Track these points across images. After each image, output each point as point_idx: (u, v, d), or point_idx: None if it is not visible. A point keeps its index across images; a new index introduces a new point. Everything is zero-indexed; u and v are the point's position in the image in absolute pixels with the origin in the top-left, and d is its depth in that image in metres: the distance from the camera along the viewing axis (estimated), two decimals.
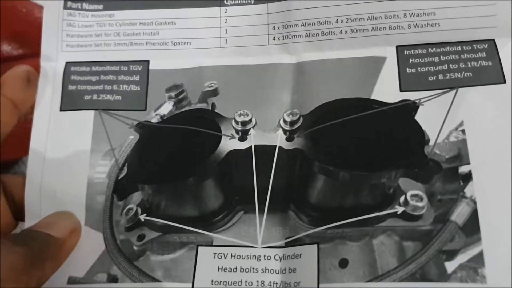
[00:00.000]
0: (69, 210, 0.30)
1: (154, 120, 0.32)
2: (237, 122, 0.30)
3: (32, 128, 0.32)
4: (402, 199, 0.26)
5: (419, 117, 0.28)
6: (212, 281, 0.27)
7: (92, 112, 0.32)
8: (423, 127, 0.27)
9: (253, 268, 0.27)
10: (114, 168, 0.31)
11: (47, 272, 0.27)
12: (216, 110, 0.32)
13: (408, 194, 0.26)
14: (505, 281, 0.23)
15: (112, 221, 0.30)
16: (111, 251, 0.29)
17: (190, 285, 0.27)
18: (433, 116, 0.27)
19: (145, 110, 0.32)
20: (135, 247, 0.29)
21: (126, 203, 0.30)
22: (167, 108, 0.32)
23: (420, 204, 0.25)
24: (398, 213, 0.26)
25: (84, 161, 0.31)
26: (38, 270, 0.27)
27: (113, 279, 0.28)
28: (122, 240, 0.29)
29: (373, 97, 0.29)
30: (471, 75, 0.28)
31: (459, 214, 0.25)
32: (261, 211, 0.28)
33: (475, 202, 0.25)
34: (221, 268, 0.27)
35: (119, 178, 0.31)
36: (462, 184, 0.25)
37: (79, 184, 0.31)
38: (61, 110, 0.33)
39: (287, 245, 0.27)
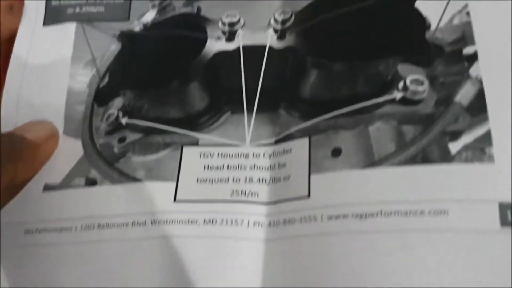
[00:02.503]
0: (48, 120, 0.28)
1: (137, 29, 0.30)
2: (224, 24, 0.28)
3: (14, 45, 0.31)
4: (401, 84, 0.24)
5: (420, 4, 0.25)
6: (197, 179, 0.25)
7: (74, 24, 0.30)
8: (425, 14, 0.25)
9: (241, 166, 0.25)
10: (95, 78, 0.29)
11: (19, 174, 0.26)
12: (202, 14, 0.29)
13: (408, 79, 0.24)
14: (510, 161, 0.21)
15: (92, 127, 0.28)
16: (90, 155, 0.27)
17: (174, 183, 0.25)
18: (435, 2, 0.25)
19: (128, 19, 0.30)
20: (115, 150, 0.27)
21: (106, 109, 0.28)
22: (150, 16, 0.30)
23: (420, 89, 0.23)
24: (397, 99, 0.23)
25: (64, 71, 0.30)
26: (9, 169, 0.25)
27: (91, 182, 0.26)
28: (102, 143, 0.27)
29: None
30: None
31: (464, 94, 0.23)
32: (250, 110, 0.26)
33: (481, 82, 0.22)
34: (207, 167, 0.25)
35: (101, 86, 0.29)
36: (466, 65, 0.23)
37: (58, 94, 0.29)
38: (44, 25, 0.31)
39: (277, 142, 0.25)
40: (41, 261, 0.25)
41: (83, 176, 0.26)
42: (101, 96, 0.29)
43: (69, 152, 0.27)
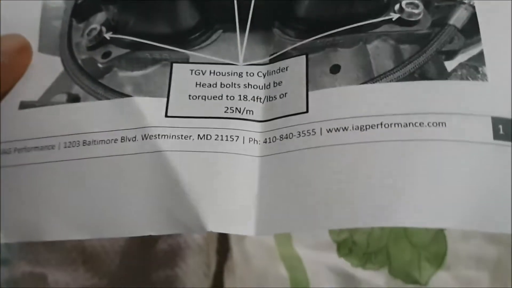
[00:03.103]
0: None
1: None
2: None
3: None
4: (397, 6, 0.24)
5: None
6: (189, 96, 0.24)
7: None
8: None
9: (234, 84, 0.24)
10: None
11: None
12: None
13: (403, 2, 0.24)
14: (505, 79, 0.22)
15: (72, 43, 0.26)
16: (71, 70, 0.25)
17: (165, 99, 0.24)
18: None
19: None
20: (99, 65, 0.25)
21: (87, 24, 0.27)
22: None
23: (416, 11, 0.24)
24: (394, 19, 0.24)
25: None
26: None
27: (74, 99, 0.25)
28: (84, 59, 0.26)
29: None
30: None
31: (458, 17, 0.23)
32: (242, 29, 0.25)
33: (473, 7, 0.23)
34: (199, 84, 0.24)
35: (79, 1, 0.27)
36: None
37: (31, 9, 0.27)
38: None
39: (272, 61, 0.24)
40: (23, 182, 0.23)
41: (65, 93, 0.25)
42: (80, 11, 0.27)
43: (46, 68, 0.26)
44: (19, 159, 0.24)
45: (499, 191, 0.21)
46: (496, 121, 0.21)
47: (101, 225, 0.23)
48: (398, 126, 0.21)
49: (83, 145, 0.23)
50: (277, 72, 0.24)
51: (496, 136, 0.21)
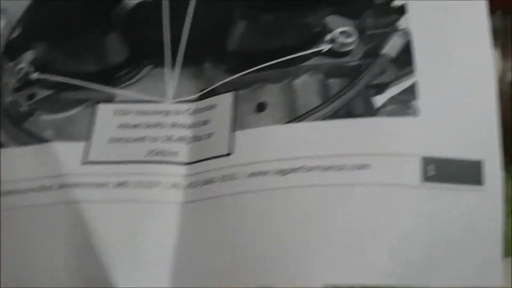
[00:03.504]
0: None
1: None
2: None
3: None
4: (328, 36, 0.22)
5: None
6: (111, 138, 0.23)
7: None
8: None
9: (160, 124, 0.23)
10: (5, 30, 0.26)
11: None
12: None
13: (336, 31, 0.22)
14: (438, 114, 0.20)
15: (0, 84, 0.25)
16: None
17: (85, 143, 0.22)
18: None
19: None
20: (22, 108, 0.24)
21: (17, 62, 0.26)
22: None
23: (348, 40, 0.22)
24: (324, 51, 0.22)
25: None
26: None
27: None
28: (9, 102, 0.25)
29: None
30: None
31: (392, 46, 0.22)
32: (173, 64, 0.24)
33: (408, 34, 0.21)
34: (123, 125, 0.23)
35: (11, 38, 0.26)
36: (396, 17, 0.22)
37: None
38: None
39: (201, 97, 0.23)
40: None
41: None
42: (11, 49, 0.26)
43: None
44: None
45: (428, 240, 0.19)
46: (426, 161, 0.20)
47: (17, 278, 0.22)
48: (319, 169, 0.20)
49: (3, 196, 0.22)
50: (205, 110, 0.23)
51: (425, 177, 0.19)
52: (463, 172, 0.19)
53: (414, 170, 0.19)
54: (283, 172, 0.20)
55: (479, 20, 0.22)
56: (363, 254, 0.19)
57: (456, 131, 0.20)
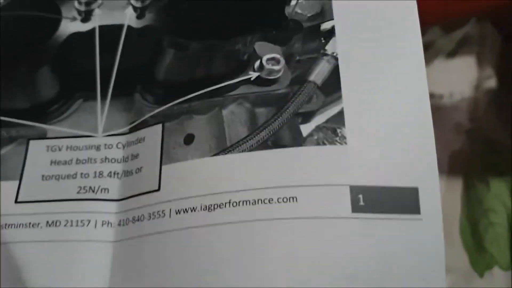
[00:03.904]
0: None
1: None
2: (80, 3, 0.26)
3: None
4: (257, 64, 0.22)
5: None
6: (43, 176, 0.22)
7: None
8: None
9: (91, 159, 0.22)
10: None
11: None
12: None
13: (264, 58, 0.22)
14: (366, 141, 0.20)
15: None
16: None
17: (17, 182, 0.22)
18: None
19: None
20: None
21: None
22: None
23: (276, 67, 0.22)
24: (252, 79, 0.22)
25: None
26: None
27: None
28: None
29: None
30: None
31: (319, 73, 0.21)
32: (104, 96, 0.24)
33: (336, 59, 0.21)
34: (54, 162, 0.23)
35: None
36: (323, 41, 0.22)
37: None
38: None
39: (131, 130, 0.23)
40: None
41: None
42: None
43: None
44: None
45: (361, 274, 0.18)
46: (355, 190, 0.19)
47: None
48: (246, 204, 0.19)
49: None
50: (135, 143, 0.23)
51: (355, 208, 0.19)
52: (397, 201, 0.19)
53: (344, 201, 0.19)
54: (209, 208, 0.20)
55: (411, 41, 0.21)
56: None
57: (386, 158, 0.19)
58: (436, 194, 0.19)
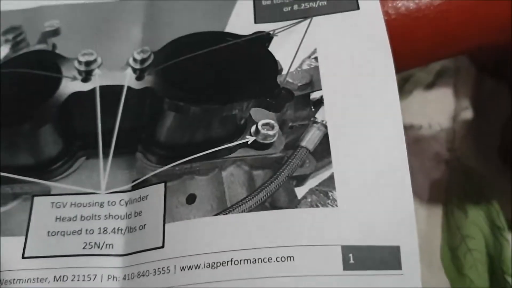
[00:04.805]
0: None
1: None
2: (80, 63, 0.27)
3: None
4: (253, 128, 0.24)
5: (274, 47, 0.26)
6: (48, 232, 0.24)
7: None
8: (277, 57, 0.26)
9: (95, 216, 0.24)
10: None
11: None
12: (57, 51, 0.28)
13: (260, 123, 0.24)
14: (354, 204, 0.22)
15: None
16: None
17: (23, 238, 0.23)
18: (287, 46, 0.26)
19: None
20: None
21: None
22: (3, 52, 0.28)
23: (271, 132, 0.24)
24: (249, 142, 0.24)
25: None
26: None
27: None
28: None
29: (227, 30, 0.27)
30: (325, 3, 0.27)
31: (310, 139, 0.24)
32: (106, 155, 0.25)
33: (326, 126, 0.23)
34: (59, 218, 0.24)
35: None
36: (313, 109, 0.24)
37: None
38: None
39: (134, 188, 0.24)
40: None
41: None
42: None
43: None
44: None
45: None
46: (346, 249, 0.22)
47: None
48: (247, 262, 0.21)
49: None
50: (138, 201, 0.24)
51: (346, 266, 0.21)
52: (382, 258, 0.21)
53: (336, 259, 0.21)
54: (213, 266, 0.21)
55: (391, 107, 0.24)
56: None
57: (373, 219, 0.22)
58: (416, 250, 0.22)
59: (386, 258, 0.21)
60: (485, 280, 0.32)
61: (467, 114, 0.38)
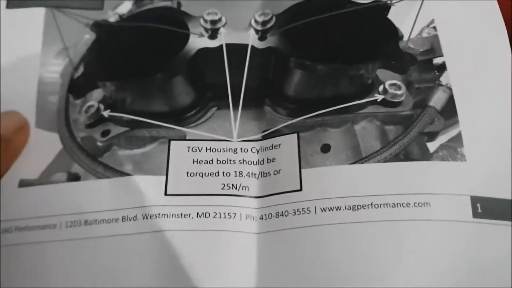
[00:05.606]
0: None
1: (112, 19, 0.29)
2: (205, 21, 0.29)
3: None
4: (381, 88, 0.26)
5: (392, 15, 0.28)
6: (187, 173, 0.25)
7: (43, 9, 0.29)
8: (396, 25, 0.27)
9: (230, 160, 0.26)
10: (68, 68, 0.28)
11: None
12: (182, 9, 0.30)
13: (387, 83, 0.26)
14: (482, 159, 0.24)
15: (69, 120, 0.27)
16: (71, 149, 0.26)
17: (164, 177, 0.25)
18: (405, 16, 0.28)
19: (102, 9, 0.30)
20: (99, 143, 0.26)
21: (85, 101, 0.28)
22: (126, 7, 0.30)
23: (398, 92, 0.26)
24: (378, 100, 0.26)
25: (34, 60, 0.28)
26: None
27: (74, 178, 0.25)
28: (83, 137, 0.27)
29: None
30: None
31: (437, 99, 0.25)
32: (236, 106, 0.27)
33: (451, 89, 0.25)
34: (196, 161, 0.26)
35: (75, 77, 0.28)
36: (437, 73, 0.26)
37: (28, 83, 0.28)
38: (7, 8, 0.29)
39: (264, 137, 0.26)
40: (24, 261, 0.24)
41: (65, 171, 0.26)
42: (76, 87, 0.28)
43: (44, 146, 0.27)
44: (21, 238, 0.24)
45: (480, 269, 0.22)
46: (474, 200, 0.23)
47: None
48: (387, 206, 0.23)
49: (85, 225, 0.24)
50: (270, 149, 0.26)
51: (475, 214, 0.23)
52: (507, 210, 0.23)
53: (466, 208, 0.23)
54: (354, 208, 0.23)
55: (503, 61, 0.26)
56: (428, 280, 0.22)
57: (498, 174, 0.24)
58: None
59: (509, 210, 0.23)
60: None
61: None
